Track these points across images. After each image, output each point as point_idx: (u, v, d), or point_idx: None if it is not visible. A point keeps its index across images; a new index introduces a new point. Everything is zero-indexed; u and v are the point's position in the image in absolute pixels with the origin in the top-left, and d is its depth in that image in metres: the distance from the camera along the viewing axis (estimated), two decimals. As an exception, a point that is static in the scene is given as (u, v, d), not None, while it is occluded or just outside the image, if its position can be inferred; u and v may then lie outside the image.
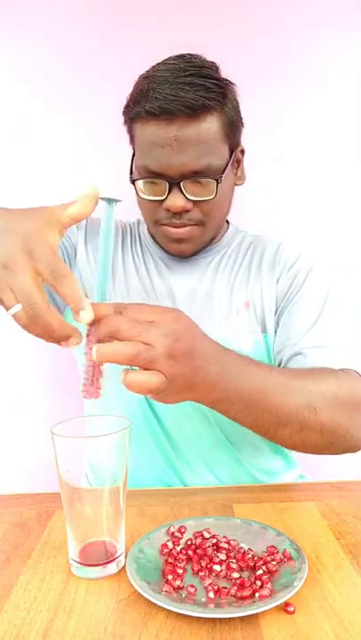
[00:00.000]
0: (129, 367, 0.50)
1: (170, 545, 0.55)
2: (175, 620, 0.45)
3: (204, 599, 0.48)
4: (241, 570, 0.52)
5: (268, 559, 0.52)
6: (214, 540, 0.56)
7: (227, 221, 0.90)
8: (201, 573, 0.52)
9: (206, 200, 0.75)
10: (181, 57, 0.74)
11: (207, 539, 0.56)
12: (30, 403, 1.19)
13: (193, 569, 0.53)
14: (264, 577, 0.49)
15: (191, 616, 0.45)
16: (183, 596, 0.48)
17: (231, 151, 0.78)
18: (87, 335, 0.51)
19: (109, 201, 0.55)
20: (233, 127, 0.76)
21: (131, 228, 0.92)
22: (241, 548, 0.56)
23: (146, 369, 0.49)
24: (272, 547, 0.54)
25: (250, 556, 0.53)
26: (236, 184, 0.83)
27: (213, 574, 0.51)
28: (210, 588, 0.48)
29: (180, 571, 0.51)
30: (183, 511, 0.66)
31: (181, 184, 0.73)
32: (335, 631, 0.44)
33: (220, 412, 0.60)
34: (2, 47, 1.11)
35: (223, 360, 0.57)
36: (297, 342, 0.76)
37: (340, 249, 1.17)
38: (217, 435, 0.82)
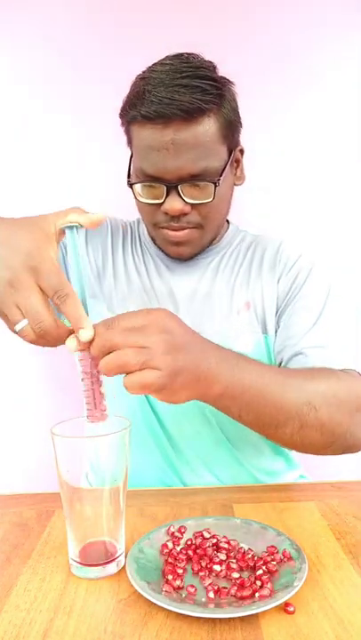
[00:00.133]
0: None
1: (170, 545, 0.55)
2: (175, 620, 0.45)
3: (204, 599, 0.48)
4: (241, 570, 0.52)
5: (268, 559, 0.52)
6: (214, 540, 0.56)
7: (227, 221, 0.90)
8: (201, 573, 0.52)
9: (204, 203, 0.74)
10: (178, 57, 0.72)
11: (207, 539, 0.56)
12: (30, 403, 1.19)
13: (193, 569, 0.53)
14: (264, 577, 0.49)
15: (191, 616, 0.45)
16: (183, 596, 0.48)
17: (230, 152, 0.77)
18: (80, 360, 0.51)
19: (70, 227, 0.52)
20: (231, 128, 0.75)
21: (131, 228, 0.92)
22: (241, 548, 0.56)
23: None
24: (272, 547, 0.54)
25: (250, 556, 0.53)
26: (235, 184, 0.83)
27: (213, 574, 0.51)
28: (210, 588, 0.48)
29: (180, 571, 0.51)
30: (183, 511, 0.66)
31: (179, 187, 0.72)
32: (335, 631, 0.44)
33: (222, 411, 0.61)
34: (2, 47, 1.11)
35: (219, 353, 0.57)
36: (297, 342, 0.76)
37: (340, 249, 1.17)
38: (217, 435, 0.82)
